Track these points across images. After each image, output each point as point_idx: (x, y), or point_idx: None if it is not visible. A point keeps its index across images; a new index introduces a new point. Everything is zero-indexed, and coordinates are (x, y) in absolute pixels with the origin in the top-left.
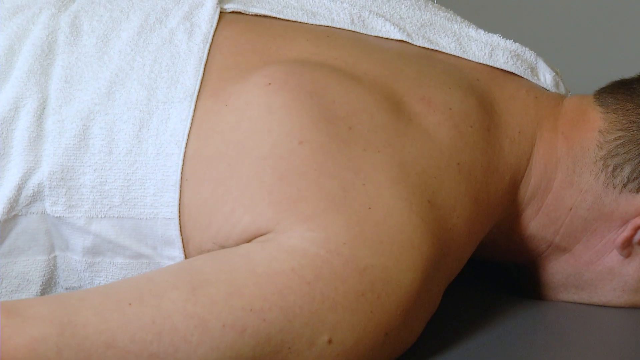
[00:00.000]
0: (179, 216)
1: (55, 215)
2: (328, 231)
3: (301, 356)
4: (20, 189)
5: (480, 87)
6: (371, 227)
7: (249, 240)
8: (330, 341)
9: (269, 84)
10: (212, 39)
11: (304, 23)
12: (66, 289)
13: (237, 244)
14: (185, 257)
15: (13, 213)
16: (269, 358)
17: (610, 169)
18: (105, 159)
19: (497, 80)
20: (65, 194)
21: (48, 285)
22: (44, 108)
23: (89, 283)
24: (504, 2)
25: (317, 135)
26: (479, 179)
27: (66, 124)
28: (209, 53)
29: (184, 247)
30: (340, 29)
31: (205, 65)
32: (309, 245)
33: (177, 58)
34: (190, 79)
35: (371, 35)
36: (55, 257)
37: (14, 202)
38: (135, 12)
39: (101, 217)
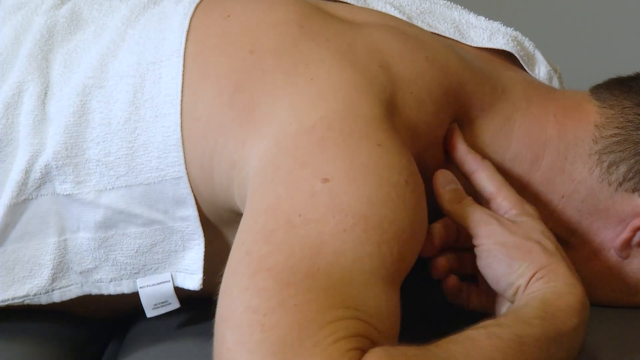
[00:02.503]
0: (187, 173)
1: (65, 194)
2: (277, 129)
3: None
4: (27, 172)
5: (464, 52)
6: (313, 92)
7: (234, 171)
8: (325, 180)
9: (228, 16)
10: (201, 5)
11: None
12: (80, 273)
13: (232, 183)
14: (200, 215)
15: (23, 197)
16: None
17: (605, 164)
18: (106, 130)
19: (488, 59)
20: (73, 171)
21: (60, 269)
22: (46, 92)
23: (104, 260)
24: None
25: (267, 42)
26: (451, 81)
27: (64, 102)
28: (195, 11)
29: (197, 204)
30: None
31: (191, 21)
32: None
33: (164, 19)
34: (175, 32)
35: None
36: (65, 240)
37: (22, 186)
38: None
39: (109, 188)
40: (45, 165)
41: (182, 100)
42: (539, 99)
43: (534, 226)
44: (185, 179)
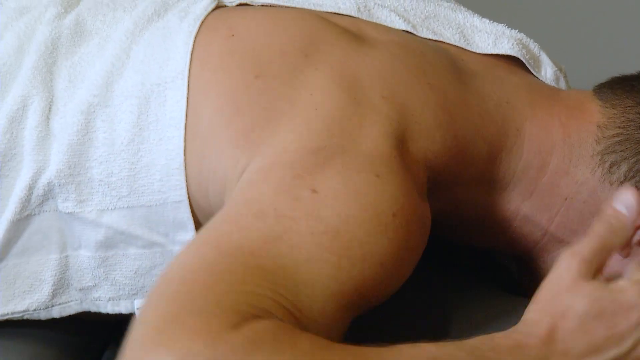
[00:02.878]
0: (189, 198)
1: (67, 212)
2: (277, 147)
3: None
4: (31, 188)
5: (466, 65)
6: (317, 122)
7: (224, 193)
8: (314, 191)
9: (232, 35)
10: (205, 22)
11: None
12: (80, 289)
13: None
14: None
15: (26, 213)
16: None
17: (607, 165)
18: (109, 150)
19: (491, 67)
20: (75, 189)
21: (60, 286)
22: (50, 107)
23: (104, 279)
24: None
25: (272, 69)
26: (455, 106)
27: (68, 119)
28: (200, 28)
29: (197, 229)
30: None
31: (195, 39)
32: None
33: (168, 36)
34: (180, 52)
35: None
36: (67, 256)
37: (25, 202)
38: (137, 10)
39: (111, 209)
40: (48, 183)
41: (186, 123)
42: (542, 102)
43: (605, 292)
44: (186, 202)
